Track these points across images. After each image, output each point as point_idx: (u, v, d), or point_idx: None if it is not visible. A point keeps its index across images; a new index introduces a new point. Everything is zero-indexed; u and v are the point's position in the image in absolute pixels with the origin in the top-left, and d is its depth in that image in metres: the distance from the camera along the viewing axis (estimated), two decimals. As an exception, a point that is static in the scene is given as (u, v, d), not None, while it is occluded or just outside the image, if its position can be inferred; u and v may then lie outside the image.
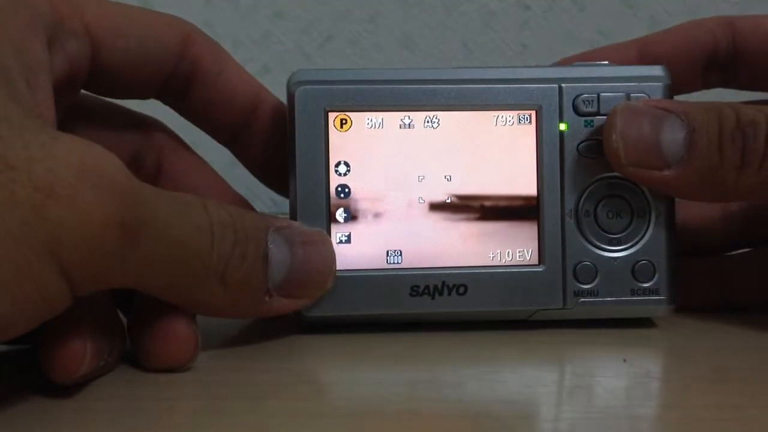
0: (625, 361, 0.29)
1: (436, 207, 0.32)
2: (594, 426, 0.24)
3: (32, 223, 0.22)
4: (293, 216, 0.32)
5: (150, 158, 0.34)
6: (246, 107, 0.34)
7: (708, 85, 0.37)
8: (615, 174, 0.32)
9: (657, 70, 0.33)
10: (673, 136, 0.31)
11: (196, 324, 0.28)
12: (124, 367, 0.28)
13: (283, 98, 0.33)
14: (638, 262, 0.33)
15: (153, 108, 0.35)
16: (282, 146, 0.33)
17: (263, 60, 0.55)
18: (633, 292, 0.33)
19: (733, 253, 0.38)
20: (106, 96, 0.33)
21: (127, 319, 0.29)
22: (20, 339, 0.24)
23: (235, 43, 0.55)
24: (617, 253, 0.33)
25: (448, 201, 0.32)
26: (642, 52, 0.36)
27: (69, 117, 0.31)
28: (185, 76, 0.33)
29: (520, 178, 0.33)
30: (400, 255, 0.32)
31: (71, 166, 0.23)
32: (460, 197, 0.32)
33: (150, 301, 0.28)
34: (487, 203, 0.33)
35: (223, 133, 0.35)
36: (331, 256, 0.31)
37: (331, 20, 0.56)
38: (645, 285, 0.33)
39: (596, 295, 0.32)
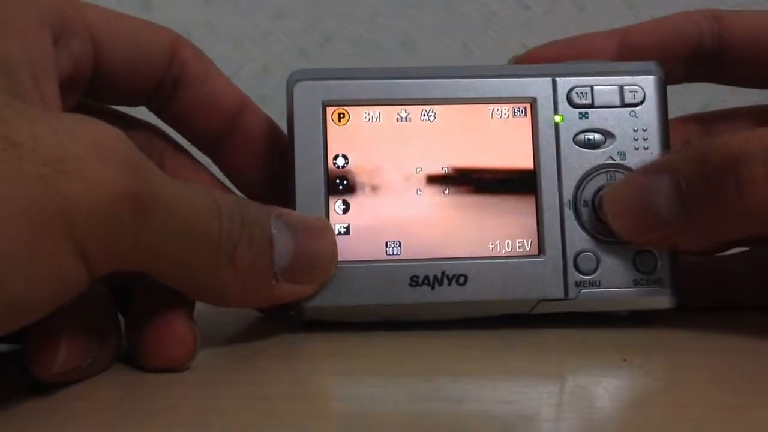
0: (625, 361, 0.29)
1: (434, 199, 0.33)
2: (594, 426, 0.24)
3: (43, 200, 0.21)
4: (292, 208, 0.32)
5: (152, 160, 0.34)
6: (230, 114, 0.34)
7: (690, 79, 0.37)
8: (612, 163, 0.33)
9: (650, 65, 0.34)
10: (664, 196, 0.30)
11: (195, 323, 0.28)
12: (124, 367, 0.28)
13: (283, 99, 0.33)
14: (640, 251, 0.33)
15: (145, 116, 0.35)
16: (263, 155, 0.34)
17: (263, 60, 0.55)
18: (635, 283, 0.33)
19: (731, 252, 0.38)
20: (102, 101, 0.33)
21: (125, 319, 0.29)
22: (19, 338, 0.24)
23: (235, 43, 0.55)
24: (617, 243, 0.33)
25: (446, 193, 0.33)
26: (623, 42, 0.36)
27: None
28: (173, 79, 0.33)
29: (517, 170, 0.33)
30: (399, 246, 0.32)
31: (79, 141, 0.22)
32: (458, 189, 0.33)
33: (148, 300, 0.28)
34: (486, 195, 0.33)
35: (206, 140, 0.35)
36: (333, 241, 0.31)
37: (331, 20, 0.56)
38: (647, 275, 0.33)
39: (598, 286, 0.33)
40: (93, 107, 0.33)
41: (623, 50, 0.36)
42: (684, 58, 0.36)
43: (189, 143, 0.36)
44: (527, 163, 0.33)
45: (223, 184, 0.36)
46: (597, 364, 0.30)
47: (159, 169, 0.25)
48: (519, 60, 0.37)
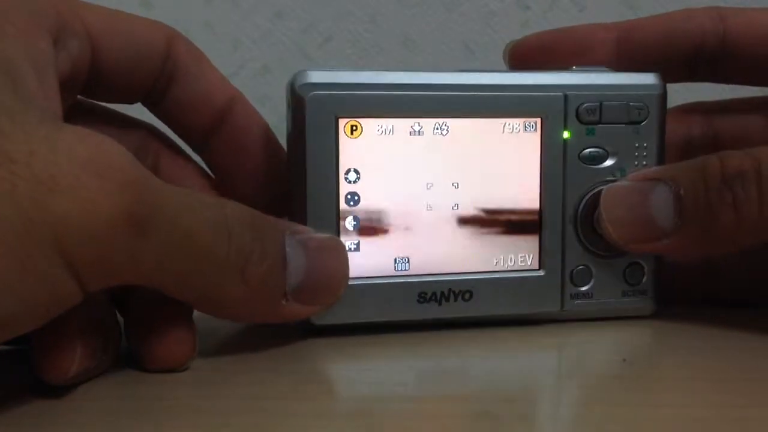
0: (624, 360, 0.29)
1: (443, 214, 0.32)
2: (594, 426, 0.24)
3: (35, 218, 0.21)
4: (302, 223, 0.31)
5: (147, 161, 0.34)
6: (221, 110, 0.34)
7: (693, 78, 0.37)
8: (612, 179, 0.33)
9: (652, 79, 0.34)
10: (662, 204, 0.31)
11: (194, 324, 0.28)
12: (124, 367, 0.28)
13: (283, 99, 0.32)
14: (629, 264, 0.34)
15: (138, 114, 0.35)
16: (250, 153, 0.33)
17: (263, 60, 0.55)
18: (624, 294, 0.34)
19: None
20: (100, 100, 0.33)
21: (125, 319, 0.29)
22: (21, 339, 0.24)
23: (235, 43, 0.55)
24: (611, 257, 0.33)
25: (455, 208, 0.32)
26: (624, 38, 0.36)
27: (68, 120, 0.31)
28: (168, 75, 0.33)
29: (524, 185, 0.33)
30: (408, 262, 0.32)
31: (75, 158, 0.22)
32: (467, 204, 0.32)
33: (148, 300, 0.28)
34: (493, 210, 0.33)
35: (196, 135, 0.35)
36: (345, 262, 0.31)
37: (331, 20, 0.56)
38: (635, 287, 0.34)
39: (591, 297, 0.33)
40: (88, 105, 0.33)
41: (623, 46, 0.35)
42: (686, 57, 0.36)
43: (181, 141, 0.35)
44: (534, 179, 0.33)
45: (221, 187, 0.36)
46: (597, 364, 0.30)
47: (162, 182, 0.24)
48: (516, 46, 0.36)
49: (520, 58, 0.36)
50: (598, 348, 0.32)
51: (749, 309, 0.36)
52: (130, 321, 0.29)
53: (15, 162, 0.21)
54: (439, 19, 0.56)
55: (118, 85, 0.32)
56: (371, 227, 0.32)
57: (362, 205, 0.32)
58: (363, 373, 0.29)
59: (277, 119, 0.35)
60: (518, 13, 0.57)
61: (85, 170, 0.22)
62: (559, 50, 0.35)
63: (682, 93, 0.39)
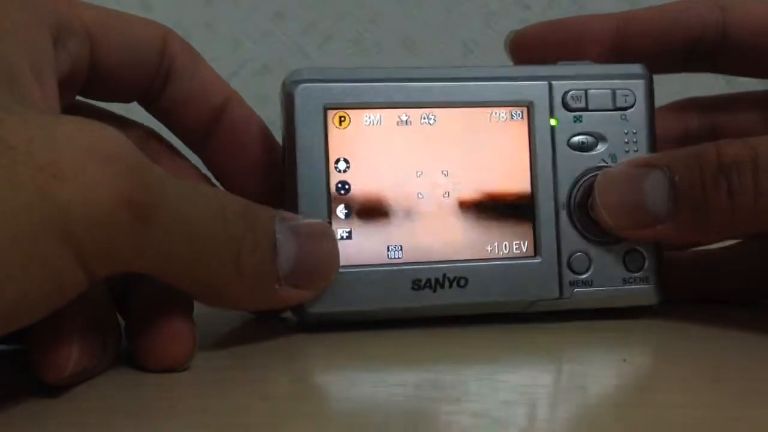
0: (624, 361, 0.29)
1: (434, 202, 0.33)
2: (593, 426, 0.24)
3: (38, 205, 0.21)
4: (292, 212, 0.32)
5: None
6: (217, 108, 0.34)
7: (690, 69, 0.37)
8: (604, 166, 0.33)
9: (639, 68, 0.34)
10: (657, 191, 0.31)
11: (194, 323, 0.28)
12: (124, 367, 0.28)
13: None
14: (629, 251, 0.34)
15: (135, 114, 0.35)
16: (247, 150, 0.34)
17: (263, 60, 0.55)
18: (624, 281, 0.34)
19: (719, 246, 0.38)
20: (98, 99, 0.33)
21: (125, 319, 0.29)
22: (21, 339, 0.24)
23: (235, 43, 0.55)
24: (609, 243, 0.33)
25: (446, 196, 0.33)
26: (622, 28, 0.36)
27: None
28: (164, 73, 0.33)
29: (514, 173, 0.33)
30: (401, 250, 0.32)
31: (76, 145, 0.22)
32: (457, 192, 0.33)
33: (147, 300, 0.28)
34: (484, 197, 0.33)
35: (193, 134, 0.35)
36: (335, 247, 0.31)
37: (331, 20, 0.56)
38: (636, 274, 0.34)
39: (590, 285, 0.33)
40: (86, 107, 0.33)
41: (622, 36, 0.36)
42: (685, 48, 0.36)
43: (178, 141, 0.35)
44: (524, 166, 0.33)
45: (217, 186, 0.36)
46: (596, 364, 0.30)
47: (162, 170, 0.24)
48: (517, 36, 0.37)
49: (521, 47, 0.37)
50: (598, 348, 0.32)
51: (749, 309, 0.36)
52: (130, 321, 0.29)
53: (14, 149, 0.21)
54: (439, 19, 0.56)
55: (115, 83, 0.32)
56: (363, 215, 0.32)
57: (353, 193, 0.32)
58: (362, 372, 0.29)
59: (276, 118, 0.35)
60: (518, 13, 0.57)
61: (86, 156, 0.22)
62: (559, 39, 0.35)
63: (683, 95, 0.39)
